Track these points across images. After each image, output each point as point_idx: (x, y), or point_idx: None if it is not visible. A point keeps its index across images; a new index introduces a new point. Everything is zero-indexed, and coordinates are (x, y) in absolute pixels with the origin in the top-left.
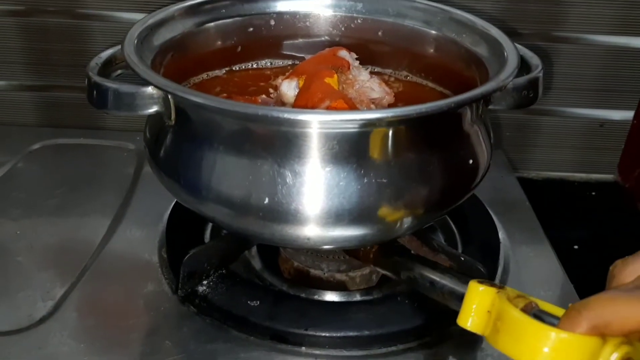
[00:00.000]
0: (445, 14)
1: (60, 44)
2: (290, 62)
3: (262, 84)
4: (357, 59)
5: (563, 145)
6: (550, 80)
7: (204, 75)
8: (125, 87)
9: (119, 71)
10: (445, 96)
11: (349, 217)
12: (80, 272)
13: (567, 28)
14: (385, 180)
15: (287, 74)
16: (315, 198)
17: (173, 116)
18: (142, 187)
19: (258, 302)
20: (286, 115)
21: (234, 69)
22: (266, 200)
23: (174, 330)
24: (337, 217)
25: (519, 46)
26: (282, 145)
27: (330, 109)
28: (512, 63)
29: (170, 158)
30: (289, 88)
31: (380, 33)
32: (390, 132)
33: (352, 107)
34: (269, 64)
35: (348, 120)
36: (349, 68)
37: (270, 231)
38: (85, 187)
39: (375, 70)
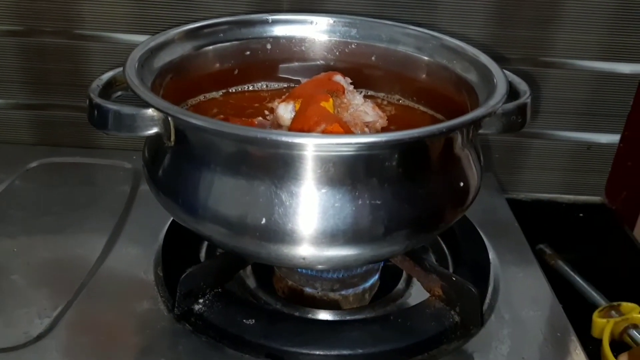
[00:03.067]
0: (437, 41)
1: (58, 64)
2: (285, 85)
3: (256, 105)
4: (351, 83)
5: (551, 167)
6: (538, 104)
7: (201, 97)
8: (127, 109)
9: (119, 92)
10: (436, 120)
11: (343, 237)
12: (77, 290)
13: (554, 54)
14: (379, 202)
15: (283, 97)
16: (311, 219)
17: (172, 137)
18: (138, 206)
19: (253, 321)
20: (284, 139)
21: (230, 91)
22: (263, 221)
23: (169, 348)
24: (332, 237)
25: (507, 72)
26: (279, 167)
27: (326, 132)
28: (500, 90)
29: (169, 178)
30: (285, 111)
31: (373, 58)
32: (384, 156)
33: (347, 130)
34: (264, 87)
35: (344, 144)
36: (343, 92)
37: (267, 251)
38: (81, 205)
39: (369, 93)
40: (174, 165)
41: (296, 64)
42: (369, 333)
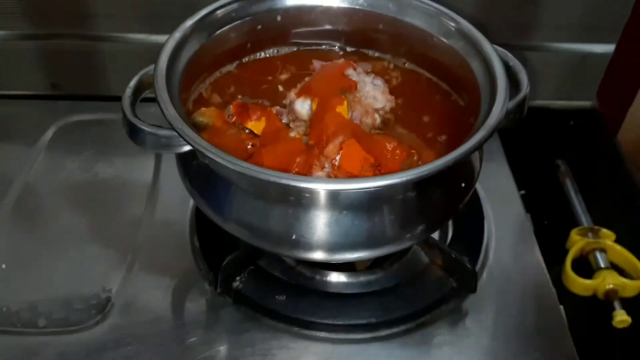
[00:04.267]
0: (445, 19)
1: None
2: (295, 49)
3: (270, 78)
4: (365, 71)
5: (546, 77)
6: (535, 18)
7: (217, 73)
8: (162, 132)
9: (147, 91)
10: (441, 89)
11: (360, 247)
12: (128, 266)
13: None
14: (392, 217)
15: (298, 88)
16: (327, 234)
17: None
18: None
19: (284, 297)
20: (297, 184)
21: (243, 61)
22: (280, 234)
23: (213, 319)
24: (347, 247)
25: (508, 56)
26: (293, 197)
27: (343, 147)
28: (500, 102)
29: (200, 184)
30: (302, 107)
31: (381, 26)
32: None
33: (362, 141)
34: (276, 52)
35: (352, 189)
36: (356, 87)
37: (288, 254)
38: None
39: (376, 55)
40: (204, 176)
41: (306, 30)
42: (381, 304)
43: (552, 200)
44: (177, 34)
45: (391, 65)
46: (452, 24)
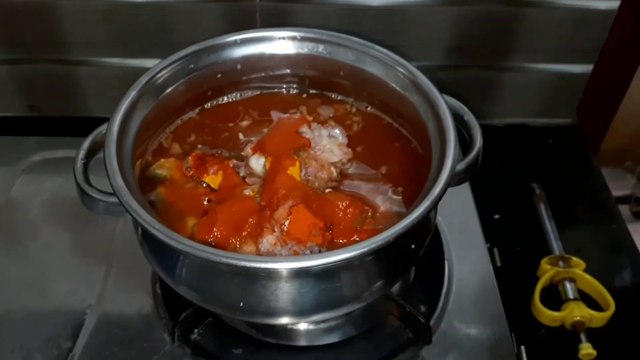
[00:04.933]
0: (401, 70)
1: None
2: (258, 92)
3: (231, 125)
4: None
5: (525, 96)
6: (513, 42)
7: (179, 121)
8: (113, 199)
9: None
10: (400, 135)
11: (309, 312)
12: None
13: None
14: (338, 285)
15: (254, 143)
16: (280, 303)
17: None
18: None
19: (240, 350)
20: (235, 263)
21: (205, 107)
22: (241, 304)
23: None
24: (311, 311)
25: (466, 113)
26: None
27: (291, 211)
28: (446, 174)
29: (152, 247)
30: (257, 164)
31: (341, 73)
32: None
33: (313, 203)
34: (238, 96)
35: (307, 267)
36: (309, 146)
37: (243, 319)
38: None
39: (338, 98)
40: (155, 241)
41: (267, 75)
42: (337, 357)
43: (525, 225)
44: (131, 93)
45: (354, 109)
46: (409, 76)
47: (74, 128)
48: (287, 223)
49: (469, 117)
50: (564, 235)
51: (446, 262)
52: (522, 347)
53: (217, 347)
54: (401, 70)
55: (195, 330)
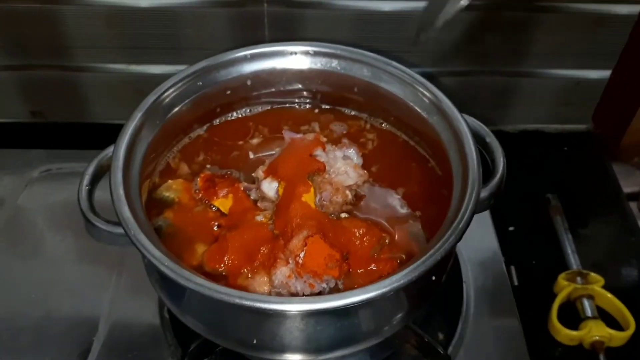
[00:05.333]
0: (420, 89)
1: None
2: (268, 107)
3: (241, 143)
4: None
5: (540, 102)
6: (530, 47)
7: (186, 139)
8: (119, 230)
9: None
10: (417, 154)
11: (326, 349)
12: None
13: None
14: (355, 321)
15: (266, 164)
16: (297, 341)
17: None
18: None
19: None
20: (250, 304)
21: (214, 123)
22: (254, 341)
23: None
24: (328, 349)
25: (489, 136)
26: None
27: (307, 242)
28: (468, 206)
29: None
30: (269, 189)
31: (355, 89)
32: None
33: (329, 232)
34: (248, 112)
35: (325, 309)
36: (324, 170)
37: (255, 355)
38: None
39: (352, 113)
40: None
41: (278, 90)
42: None
43: (541, 237)
44: (137, 115)
45: (368, 125)
46: (428, 95)
47: (78, 135)
48: (302, 255)
49: (491, 139)
50: (582, 248)
51: (464, 285)
52: None
53: None
54: (420, 88)
55: (206, 359)
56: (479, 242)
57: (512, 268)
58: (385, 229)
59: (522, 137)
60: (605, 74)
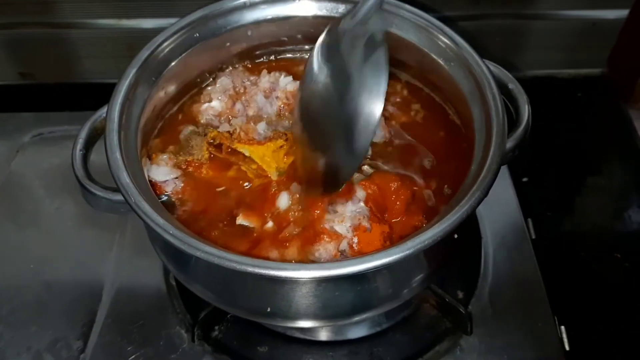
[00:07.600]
0: (436, 33)
1: None
2: (272, 58)
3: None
4: None
5: (555, 45)
6: None
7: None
8: (117, 197)
9: None
10: (435, 102)
11: (353, 314)
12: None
13: None
14: (375, 285)
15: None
16: (314, 308)
17: None
18: None
19: (267, 348)
20: (268, 272)
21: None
22: (268, 309)
23: None
24: (346, 314)
25: (509, 77)
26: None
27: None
28: (497, 149)
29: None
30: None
31: None
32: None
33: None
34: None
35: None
36: None
37: (269, 323)
38: None
39: None
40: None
41: (280, 40)
42: (369, 352)
43: (554, 187)
44: (131, 71)
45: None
46: (444, 39)
47: (69, 96)
48: (355, 240)
49: (514, 85)
50: None
51: (482, 241)
52: (562, 328)
53: (241, 345)
54: (436, 33)
55: (216, 327)
56: (495, 195)
57: (530, 221)
58: (416, 183)
59: (534, 83)
60: (623, 13)
